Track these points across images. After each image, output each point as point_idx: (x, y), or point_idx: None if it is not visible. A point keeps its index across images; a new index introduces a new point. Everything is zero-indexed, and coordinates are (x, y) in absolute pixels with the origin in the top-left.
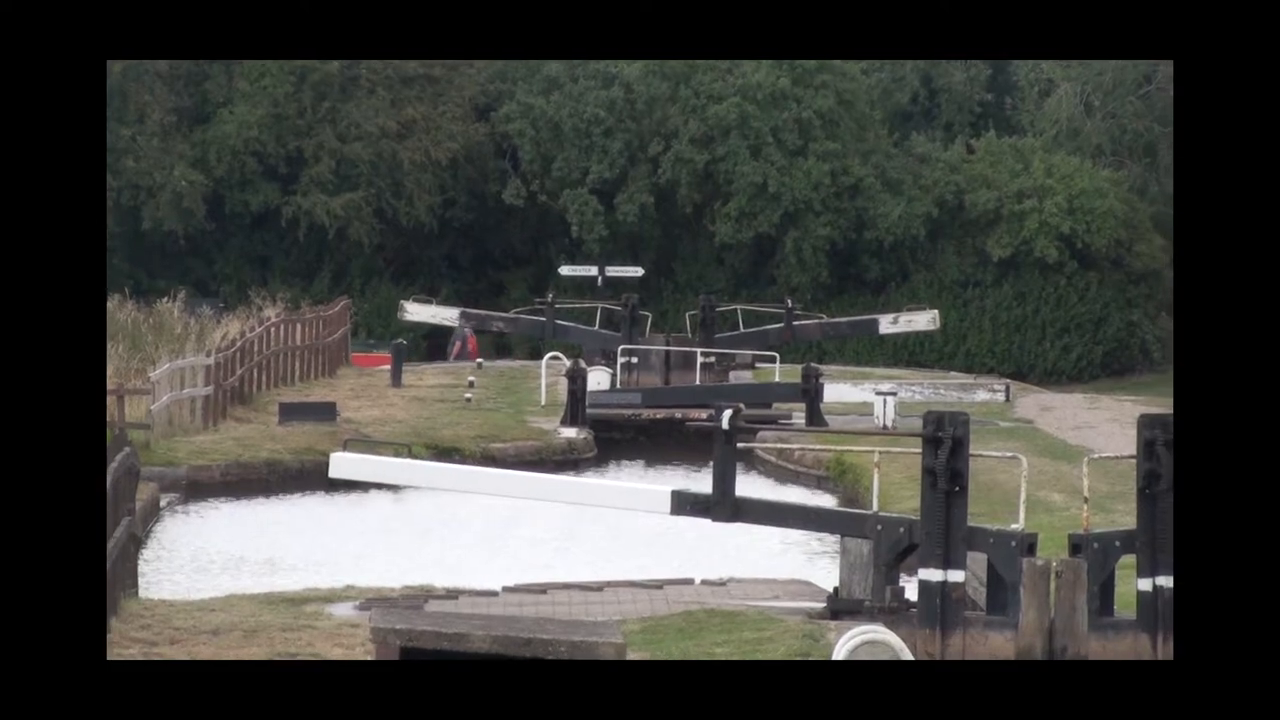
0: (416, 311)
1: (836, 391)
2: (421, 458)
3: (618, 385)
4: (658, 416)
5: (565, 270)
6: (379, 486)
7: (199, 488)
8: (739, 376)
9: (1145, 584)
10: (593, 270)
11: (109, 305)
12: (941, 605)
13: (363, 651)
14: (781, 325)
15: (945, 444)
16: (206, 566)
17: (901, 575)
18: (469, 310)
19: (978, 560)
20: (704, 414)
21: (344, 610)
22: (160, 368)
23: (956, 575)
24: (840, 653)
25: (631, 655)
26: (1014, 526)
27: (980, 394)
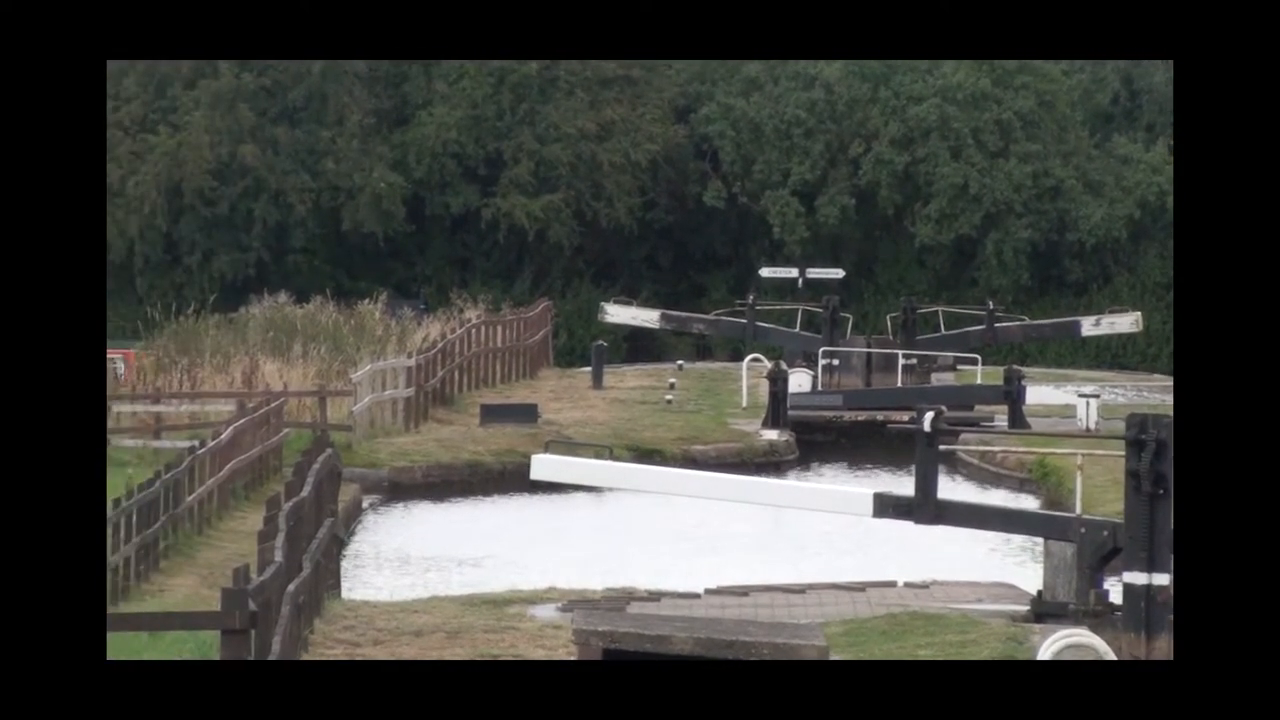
0: (617, 313)
1: (1038, 394)
2: (622, 460)
3: (819, 387)
4: (859, 419)
5: (766, 272)
6: (580, 488)
7: (400, 489)
8: (940, 379)
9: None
10: (793, 272)
11: (310, 306)
12: (1146, 609)
13: (565, 653)
14: (983, 327)
15: (1149, 446)
16: (408, 568)
17: (1106, 579)
18: (669, 312)
19: None
20: (906, 416)
21: (546, 612)
22: (362, 369)
23: (1161, 578)
24: (1044, 655)
25: (834, 657)
26: None
27: None
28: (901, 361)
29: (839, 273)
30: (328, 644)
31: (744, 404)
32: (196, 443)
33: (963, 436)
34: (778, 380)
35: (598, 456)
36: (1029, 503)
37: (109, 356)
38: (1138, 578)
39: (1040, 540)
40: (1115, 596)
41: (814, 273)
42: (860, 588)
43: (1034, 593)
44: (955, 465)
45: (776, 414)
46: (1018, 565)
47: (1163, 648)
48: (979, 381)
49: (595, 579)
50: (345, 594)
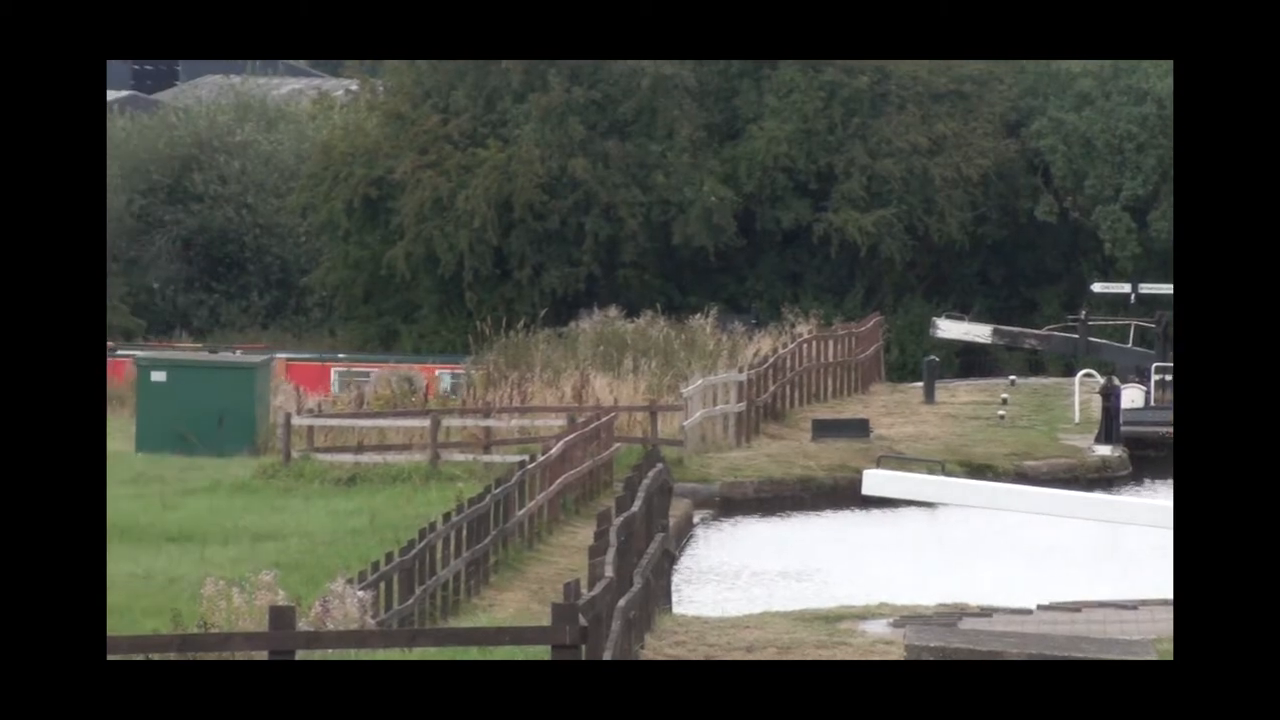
0: (948, 328)
1: None
2: (954, 475)
3: (1152, 403)
4: None
5: (1098, 287)
6: (912, 503)
7: (731, 504)
8: None
9: None
10: (1125, 287)
11: (640, 321)
12: None
13: None
14: None
15: None
16: (738, 583)
17: None
18: (1001, 327)
19: None
20: None
21: (878, 627)
22: (693, 384)
23: None
24: None
25: None
26: None
27: None
28: None
29: (1171, 288)
30: (658, 659)
31: (1076, 419)
32: (527, 457)
33: None
34: (1110, 396)
35: (930, 472)
36: None
37: (437, 372)
38: None
39: None
40: None
41: (1146, 288)
42: None
43: None
44: None
45: (1109, 429)
46: None
47: None
48: None
49: (927, 594)
50: (676, 609)
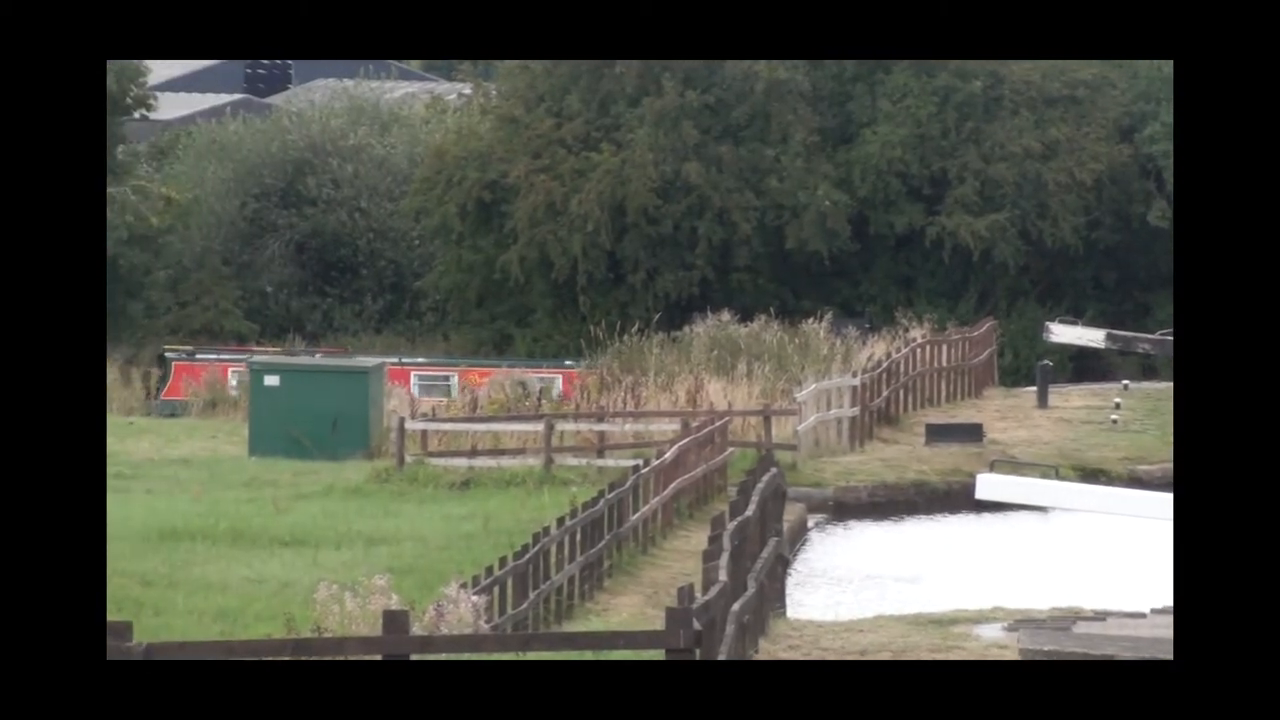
0: (1061, 333)
1: None
2: (1068, 479)
3: None
4: None
5: None
6: (1025, 508)
7: (845, 508)
8: None
9: None
10: None
11: (754, 325)
12: None
13: None
14: None
15: None
16: (852, 587)
17: None
18: (1115, 332)
19: None
20: None
21: (992, 631)
22: (806, 388)
23: None
24: None
25: None
26: None
27: None
28: None
29: None
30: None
31: None
32: (641, 461)
33: None
34: None
35: (1043, 476)
36: None
37: (542, 377)
38: None
39: None
40: None
41: None
42: None
43: None
44: None
45: None
46: None
47: None
48: None
49: (1041, 598)
50: (790, 613)
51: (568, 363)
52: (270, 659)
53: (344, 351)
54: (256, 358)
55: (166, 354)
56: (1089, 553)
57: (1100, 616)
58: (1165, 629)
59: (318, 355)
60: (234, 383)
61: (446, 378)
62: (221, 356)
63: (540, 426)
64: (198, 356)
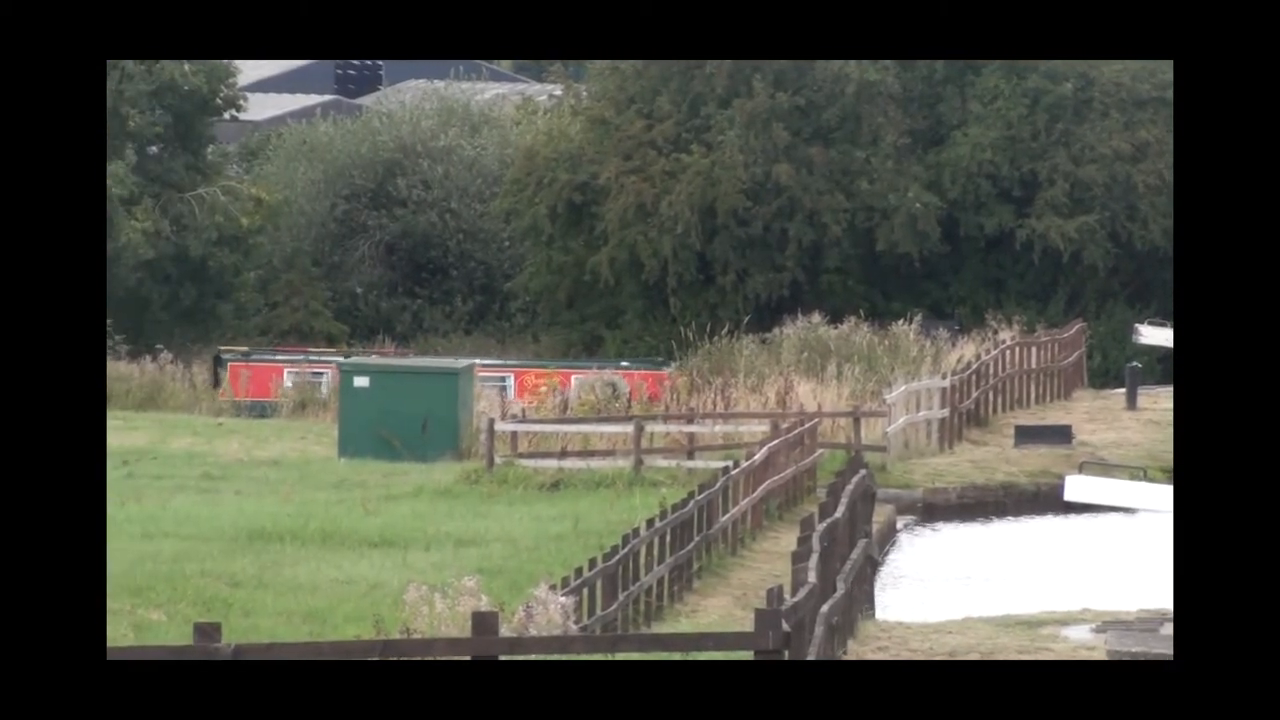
0: (1150, 335)
1: None
2: (1157, 481)
3: None
4: None
5: None
6: (1114, 509)
7: (934, 510)
8: None
9: None
10: None
11: (844, 327)
12: None
13: None
14: None
15: None
16: (942, 588)
17: None
18: None
19: None
20: None
21: (1080, 633)
22: (896, 390)
23: None
24: None
25: None
26: None
27: None
28: None
29: None
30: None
31: None
32: (730, 463)
33: None
34: None
35: (1132, 478)
36: None
37: (614, 378)
38: None
39: None
40: None
41: None
42: None
43: None
44: None
45: None
46: None
47: None
48: None
49: (1128, 600)
50: (879, 615)
51: (648, 363)
52: (359, 660)
53: (410, 352)
54: (346, 359)
55: (222, 355)
56: None
57: None
58: None
59: (372, 356)
60: (288, 384)
61: (502, 379)
62: (276, 358)
63: (630, 428)
64: (253, 358)
